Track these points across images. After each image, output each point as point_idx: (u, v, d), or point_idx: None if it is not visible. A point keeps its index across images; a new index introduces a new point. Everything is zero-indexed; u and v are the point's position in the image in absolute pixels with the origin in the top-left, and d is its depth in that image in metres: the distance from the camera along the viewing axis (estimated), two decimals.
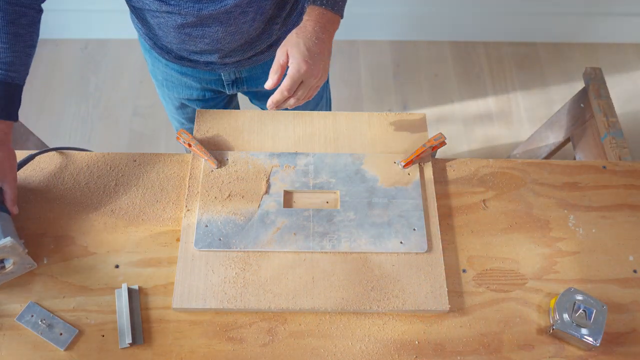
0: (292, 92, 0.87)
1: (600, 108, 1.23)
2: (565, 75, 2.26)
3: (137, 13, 1.02)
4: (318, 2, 0.92)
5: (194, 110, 1.27)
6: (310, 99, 0.92)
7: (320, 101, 1.30)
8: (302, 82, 0.87)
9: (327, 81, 1.30)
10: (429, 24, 2.27)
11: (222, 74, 1.13)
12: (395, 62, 2.27)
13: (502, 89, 2.22)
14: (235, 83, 1.16)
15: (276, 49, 0.93)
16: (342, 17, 0.94)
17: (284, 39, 0.93)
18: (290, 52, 0.87)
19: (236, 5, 0.92)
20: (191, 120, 1.32)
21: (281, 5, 1.01)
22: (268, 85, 0.87)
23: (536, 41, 2.34)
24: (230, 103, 1.34)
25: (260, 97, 1.25)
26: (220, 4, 0.91)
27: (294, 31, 0.90)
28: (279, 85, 0.87)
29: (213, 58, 1.06)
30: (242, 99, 1.51)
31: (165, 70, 1.16)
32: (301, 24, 0.91)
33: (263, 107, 1.29)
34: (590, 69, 1.29)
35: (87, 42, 2.27)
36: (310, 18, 0.90)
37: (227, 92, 1.19)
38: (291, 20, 1.06)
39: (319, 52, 0.88)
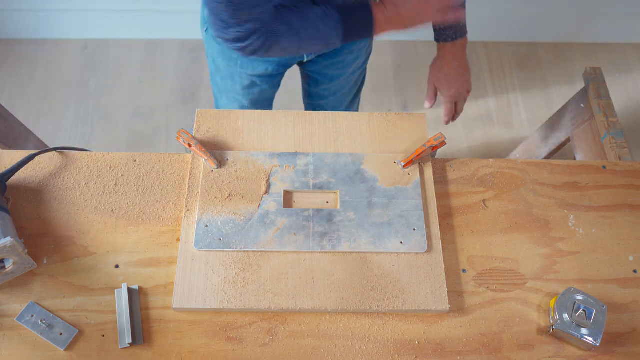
0: (453, 111, 1.18)
1: (600, 108, 1.23)
2: (565, 75, 2.26)
3: None
4: (443, 39, 1.10)
5: (260, 91, 1.29)
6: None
7: (351, 105, 1.44)
8: (456, 102, 1.17)
9: (365, 64, 1.40)
10: (429, 23, 2.27)
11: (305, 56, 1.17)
12: (395, 62, 2.27)
13: (502, 89, 2.22)
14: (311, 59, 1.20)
15: None
16: (466, 33, 1.11)
17: None
18: (438, 87, 1.16)
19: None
20: (254, 102, 1.34)
21: None
22: (427, 106, 1.19)
23: (536, 41, 2.34)
24: (282, 76, 1.36)
25: (317, 61, 1.27)
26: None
27: (434, 68, 1.15)
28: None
29: None
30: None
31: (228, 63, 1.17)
32: (437, 60, 1.14)
33: (313, 68, 1.29)
34: (590, 69, 1.29)
35: (87, 42, 2.27)
36: (442, 53, 1.13)
37: (305, 59, 1.21)
38: None
39: (456, 75, 1.13)
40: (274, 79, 1.27)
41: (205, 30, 1.20)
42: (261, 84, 1.26)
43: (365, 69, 1.39)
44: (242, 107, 1.36)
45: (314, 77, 1.31)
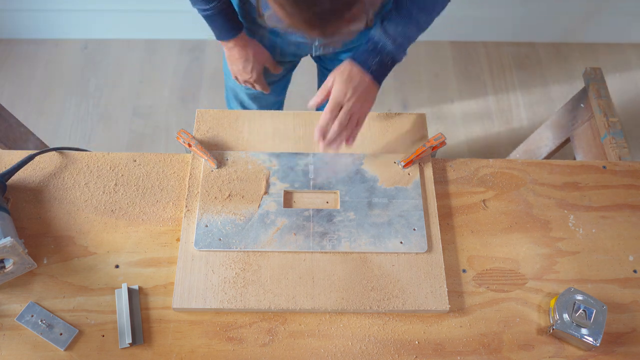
0: (335, 113, 0.95)
1: (600, 108, 1.23)
2: (565, 75, 2.26)
3: None
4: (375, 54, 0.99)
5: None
6: (357, 127, 0.98)
7: None
8: (342, 106, 0.95)
9: None
10: None
11: (317, 40, 1.15)
12: None
13: (502, 89, 2.22)
14: (323, 46, 1.18)
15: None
16: (399, 60, 1.01)
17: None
18: (335, 77, 0.97)
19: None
20: (254, 98, 1.36)
21: None
22: (310, 104, 0.98)
23: (536, 41, 2.34)
24: (294, 68, 1.36)
25: (332, 59, 1.26)
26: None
27: (348, 57, 0.99)
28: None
29: None
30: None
31: (256, 30, 1.16)
32: (357, 52, 1.00)
33: (329, 66, 1.29)
34: (590, 69, 1.29)
35: (87, 42, 2.27)
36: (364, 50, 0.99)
37: (314, 53, 1.21)
38: None
39: (360, 82, 0.96)
40: (284, 66, 1.27)
41: None
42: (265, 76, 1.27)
43: None
44: (246, 99, 1.38)
45: (327, 58, 1.29)
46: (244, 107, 1.42)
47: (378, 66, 0.97)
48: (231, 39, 1.11)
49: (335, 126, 0.95)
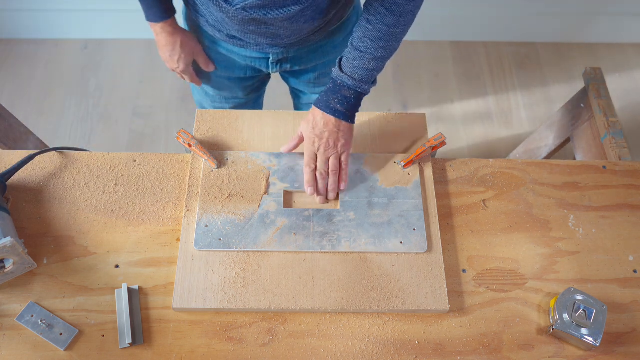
0: (312, 167, 0.96)
1: (600, 108, 1.23)
2: (565, 75, 2.26)
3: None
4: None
5: (233, 97, 1.29)
6: (343, 169, 0.98)
7: None
8: (316, 156, 0.97)
9: None
10: (429, 24, 2.27)
11: (270, 54, 1.14)
12: (395, 62, 2.27)
13: (502, 89, 2.22)
14: (281, 62, 1.17)
15: (325, 31, 1.08)
16: (366, 93, 0.99)
17: (334, 21, 1.07)
18: (301, 125, 0.98)
19: (300, 10, 0.96)
20: (223, 99, 1.34)
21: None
22: (283, 149, 1.00)
23: (536, 41, 2.34)
24: (263, 85, 1.35)
25: (299, 76, 1.25)
26: (285, 10, 0.94)
27: (313, 103, 0.99)
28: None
29: (267, 41, 1.07)
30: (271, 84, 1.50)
31: (210, 47, 1.16)
32: (319, 96, 0.98)
33: (298, 87, 1.29)
34: (590, 69, 1.29)
35: (87, 42, 2.27)
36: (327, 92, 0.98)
37: (270, 71, 1.20)
38: (341, 4, 1.05)
39: (325, 127, 0.96)
40: (247, 82, 1.26)
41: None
42: (232, 84, 1.26)
43: None
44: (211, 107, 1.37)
45: (292, 73, 1.28)
46: None
47: (342, 105, 0.96)
48: (159, 22, 1.08)
49: (319, 180, 0.96)
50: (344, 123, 0.96)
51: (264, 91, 1.41)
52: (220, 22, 1.04)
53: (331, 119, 0.95)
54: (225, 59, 1.17)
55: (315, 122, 0.96)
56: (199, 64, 1.17)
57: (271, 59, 1.15)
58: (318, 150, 0.96)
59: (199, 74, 1.23)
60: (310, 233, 0.92)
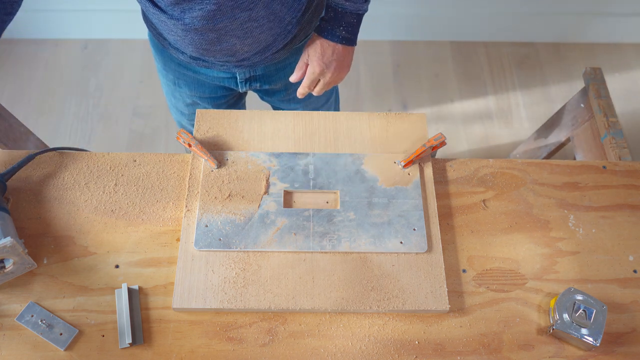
0: (312, 87, 1.05)
1: (600, 108, 1.23)
2: (565, 75, 2.26)
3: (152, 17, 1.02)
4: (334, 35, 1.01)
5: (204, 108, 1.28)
6: (329, 88, 1.07)
7: (327, 103, 1.33)
8: (319, 80, 1.04)
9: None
10: (429, 24, 2.27)
11: (237, 73, 1.13)
12: (395, 62, 2.27)
13: (502, 89, 2.22)
14: (249, 81, 1.17)
15: (291, 48, 1.07)
16: (365, 11, 1.02)
17: (300, 37, 1.06)
18: (309, 54, 1.02)
19: (250, 18, 0.95)
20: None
21: (295, 8, 1.01)
22: (292, 78, 1.04)
23: (536, 41, 2.34)
24: (240, 101, 1.34)
25: (271, 94, 1.25)
26: (233, 17, 0.93)
27: (315, 32, 1.02)
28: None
29: (229, 59, 1.07)
30: (251, 96, 1.51)
31: (177, 69, 1.16)
32: (321, 25, 1.02)
33: (273, 104, 1.30)
34: (590, 69, 1.29)
35: (87, 42, 2.27)
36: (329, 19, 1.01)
37: (240, 90, 1.19)
38: (305, 19, 1.06)
39: (332, 54, 1.01)
40: (219, 100, 1.26)
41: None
42: (204, 103, 1.26)
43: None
44: (189, 123, 1.36)
45: (265, 92, 1.28)
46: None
47: (346, 31, 0.98)
48: None
49: (314, 96, 1.04)
50: (350, 48, 1.00)
51: (244, 104, 1.41)
52: (178, 41, 1.02)
53: (338, 47, 0.99)
54: (194, 80, 1.17)
55: (323, 50, 0.98)
56: None
57: (239, 78, 1.15)
58: (324, 76, 1.01)
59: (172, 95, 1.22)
60: (310, 233, 0.92)
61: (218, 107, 1.28)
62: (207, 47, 1.01)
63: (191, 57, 1.09)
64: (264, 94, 1.27)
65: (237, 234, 0.92)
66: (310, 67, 1.01)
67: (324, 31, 0.99)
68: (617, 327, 0.89)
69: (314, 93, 1.07)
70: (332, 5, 0.98)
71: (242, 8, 0.92)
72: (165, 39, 1.07)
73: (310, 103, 1.29)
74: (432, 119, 2.12)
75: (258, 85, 1.18)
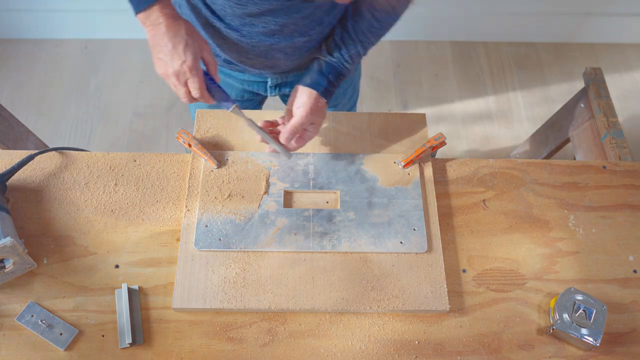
0: (295, 135, 0.95)
1: (600, 108, 1.23)
2: (565, 75, 2.26)
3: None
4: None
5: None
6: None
7: (350, 100, 1.35)
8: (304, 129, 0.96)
9: (358, 81, 1.36)
10: (429, 24, 2.27)
11: (269, 78, 1.13)
12: (395, 62, 2.27)
13: (502, 89, 2.22)
14: (279, 86, 1.16)
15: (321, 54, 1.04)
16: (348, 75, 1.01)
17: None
18: (296, 100, 0.96)
19: (304, 42, 0.98)
20: None
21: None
22: (261, 123, 0.97)
23: (536, 41, 2.34)
24: (261, 104, 1.34)
25: None
26: (291, 40, 0.97)
27: (306, 86, 0.96)
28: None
29: (266, 69, 1.08)
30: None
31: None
32: (312, 80, 0.98)
33: None
34: (590, 69, 1.29)
35: (87, 42, 2.27)
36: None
37: (269, 94, 1.19)
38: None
39: (321, 109, 0.96)
40: (244, 103, 1.25)
41: None
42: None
43: (355, 89, 1.35)
44: None
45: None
46: None
47: (336, 88, 0.99)
48: (152, 4, 0.82)
49: (293, 143, 0.96)
50: (326, 104, 0.98)
51: (261, 107, 1.41)
52: (221, 45, 1.03)
53: (325, 104, 0.97)
54: (221, 82, 1.17)
55: (312, 106, 0.94)
56: (207, 65, 0.91)
57: (269, 82, 1.14)
58: (310, 125, 0.96)
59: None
60: (310, 233, 0.92)
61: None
62: (250, 57, 1.02)
63: (225, 61, 1.08)
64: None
65: (237, 234, 0.92)
66: (299, 117, 0.94)
67: (318, 86, 0.95)
68: (617, 327, 0.89)
69: (292, 144, 0.97)
70: (333, 63, 0.98)
71: (301, 33, 0.96)
72: (207, 36, 1.07)
73: (337, 104, 1.30)
74: (432, 119, 2.12)
75: (287, 90, 1.17)
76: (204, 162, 0.98)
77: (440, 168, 1.03)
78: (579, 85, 2.17)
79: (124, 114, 2.09)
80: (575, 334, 0.84)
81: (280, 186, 0.97)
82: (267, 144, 0.97)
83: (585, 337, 0.84)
